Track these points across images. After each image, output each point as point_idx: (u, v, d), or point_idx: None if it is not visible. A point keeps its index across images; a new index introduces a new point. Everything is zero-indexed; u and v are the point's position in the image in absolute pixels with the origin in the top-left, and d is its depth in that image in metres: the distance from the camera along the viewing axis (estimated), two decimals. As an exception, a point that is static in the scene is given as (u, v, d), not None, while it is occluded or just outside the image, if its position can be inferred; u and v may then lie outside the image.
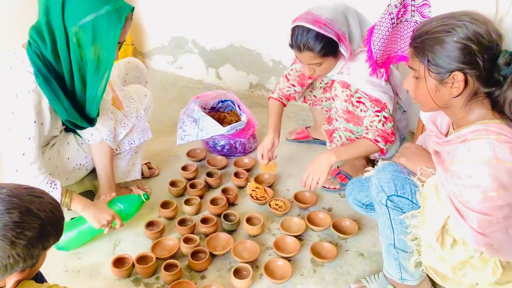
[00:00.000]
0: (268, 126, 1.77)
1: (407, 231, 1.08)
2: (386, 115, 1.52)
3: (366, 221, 1.62)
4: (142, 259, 1.39)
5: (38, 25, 1.22)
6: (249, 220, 1.57)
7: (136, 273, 1.38)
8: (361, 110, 1.55)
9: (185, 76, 2.84)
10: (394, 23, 1.36)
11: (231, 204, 1.71)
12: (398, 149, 1.22)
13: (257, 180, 1.79)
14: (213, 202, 1.65)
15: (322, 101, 1.87)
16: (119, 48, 1.28)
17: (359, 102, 1.53)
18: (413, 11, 1.37)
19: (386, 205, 1.10)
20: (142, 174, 1.82)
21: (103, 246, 1.50)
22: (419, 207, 1.05)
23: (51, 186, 1.33)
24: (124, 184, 1.73)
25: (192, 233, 1.52)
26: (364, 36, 1.49)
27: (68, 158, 1.51)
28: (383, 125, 1.52)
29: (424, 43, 0.96)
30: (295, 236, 1.51)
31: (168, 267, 1.35)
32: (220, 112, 2.13)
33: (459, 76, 0.93)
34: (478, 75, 0.93)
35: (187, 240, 1.45)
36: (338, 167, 1.84)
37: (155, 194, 1.74)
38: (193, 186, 1.75)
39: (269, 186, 1.78)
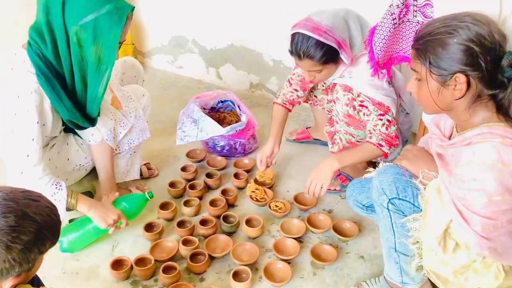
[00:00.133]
0: (270, 132, 1.77)
1: (409, 234, 1.07)
2: (390, 119, 1.50)
3: (367, 223, 1.61)
4: (140, 261, 1.38)
5: (37, 25, 1.21)
6: (248, 222, 1.55)
7: (135, 275, 1.37)
8: (363, 114, 1.53)
9: (185, 76, 2.82)
10: (396, 23, 1.35)
11: (230, 205, 1.70)
12: (400, 152, 1.20)
13: (257, 181, 1.78)
14: (213, 203, 1.64)
15: (323, 102, 1.85)
16: (119, 48, 1.27)
17: (361, 105, 1.52)
18: (415, 11, 1.35)
19: (388, 208, 1.09)
20: (141, 175, 1.81)
21: (102, 247, 1.49)
22: (421, 210, 1.04)
23: (56, 187, 1.32)
24: (123, 184, 1.72)
25: (191, 234, 1.51)
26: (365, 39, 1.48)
27: (68, 159, 1.50)
28: (386, 128, 1.50)
29: (426, 44, 0.95)
30: (295, 238, 1.49)
31: (167, 269, 1.34)
32: (220, 112, 2.12)
33: (461, 78, 0.91)
34: (481, 77, 0.91)
35: (186, 242, 1.44)
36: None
37: (155, 195, 1.72)
38: (192, 187, 1.74)
39: (269, 188, 1.77)
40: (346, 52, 1.42)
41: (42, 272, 0.98)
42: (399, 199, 1.06)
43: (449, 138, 1.06)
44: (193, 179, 1.82)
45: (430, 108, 1.02)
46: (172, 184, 1.75)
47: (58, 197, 1.32)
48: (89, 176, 1.67)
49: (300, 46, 1.40)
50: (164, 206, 1.62)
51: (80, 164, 1.55)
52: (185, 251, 1.41)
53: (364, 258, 1.47)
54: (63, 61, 1.23)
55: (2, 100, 1.28)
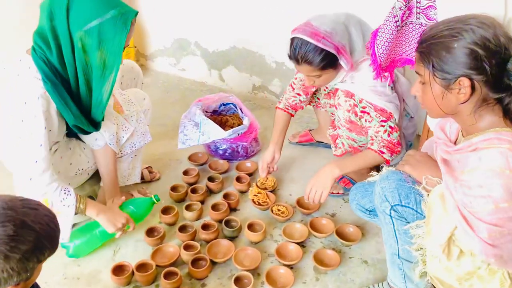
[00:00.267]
0: (271, 138, 1.76)
1: (412, 241, 1.05)
2: (392, 125, 1.48)
3: (370, 226, 1.59)
4: (141, 266, 1.37)
5: (41, 30, 1.21)
6: (250, 227, 1.54)
7: (136, 281, 1.36)
8: (365, 120, 1.51)
9: (188, 78, 2.82)
10: (398, 25, 1.33)
11: (232, 209, 1.68)
12: (403, 157, 1.19)
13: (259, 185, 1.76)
14: (214, 207, 1.63)
15: (326, 105, 1.84)
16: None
17: (363, 112, 1.50)
18: (419, 13, 1.33)
19: (390, 215, 1.07)
20: (143, 178, 1.81)
21: (103, 252, 1.48)
22: (424, 217, 1.02)
23: (65, 193, 1.32)
24: (125, 188, 1.72)
25: (193, 239, 1.50)
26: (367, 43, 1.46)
27: (71, 164, 1.50)
28: (388, 135, 1.48)
29: (429, 48, 0.93)
30: (298, 243, 1.48)
31: (168, 275, 1.33)
32: (222, 115, 2.11)
33: (465, 82, 0.89)
34: (486, 81, 0.89)
35: (187, 247, 1.43)
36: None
37: (156, 199, 1.73)
38: (194, 191, 1.73)
39: (271, 191, 1.76)
40: (345, 58, 1.40)
41: (43, 278, 0.98)
42: (402, 205, 1.05)
43: (455, 143, 1.04)
44: (195, 182, 1.81)
45: (434, 112, 1.00)
46: (174, 188, 1.74)
47: (67, 202, 1.32)
48: (91, 180, 1.67)
49: (298, 51, 1.39)
50: (166, 210, 1.61)
51: (82, 169, 1.55)
52: (186, 256, 1.40)
53: (367, 263, 1.45)
54: (68, 66, 1.23)
55: (4, 106, 1.28)
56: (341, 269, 1.42)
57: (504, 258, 0.89)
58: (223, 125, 2.03)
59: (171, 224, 1.59)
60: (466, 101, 0.92)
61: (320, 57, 1.38)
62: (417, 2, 1.33)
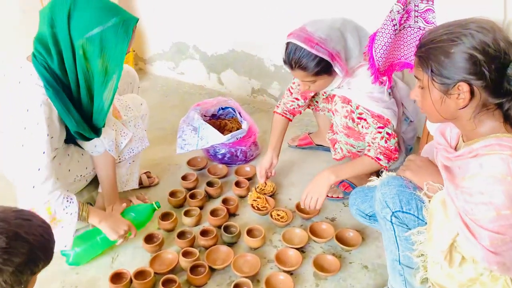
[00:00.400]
0: (269, 143, 1.76)
1: (413, 247, 1.04)
2: (390, 131, 1.47)
3: (371, 231, 1.58)
4: (140, 274, 1.36)
5: (42, 37, 1.20)
6: (250, 232, 1.53)
7: (134, 288, 1.35)
8: (362, 127, 1.49)
9: (187, 82, 2.81)
10: (396, 29, 1.32)
11: (231, 214, 1.67)
12: (404, 162, 1.17)
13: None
14: (213, 213, 1.62)
15: (325, 110, 1.83)
16: None
17: (360, 118, 1.48)
18: (417, 16, 1.32)
19: (391, 221, 1.06)
20: (141, 183, 1.80)
21: (102, 260, 1.47)
22: (426, 223, 1.01)
23: (67, 201, 1.31)
24: (123, 194, 1.71)
25: (192, 246, 1.49)
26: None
27: (69, 170, 1.49)
28: (385, 141, 1.47)
29: (428, 52, 0.92)
30: (297, 249, 1.47)
31: (167, 283, 1.32)
32: (221, 119, 2.10)
33: (464, 87, 0.88)
34: (485, 86, 0.88)
35: (186, 254, 1.42)
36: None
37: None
38: (193, 196, 1.72)
39: (270, 196, 1.75)
40: (340, 64, 1.38)
41: (41, 286, 0.96)
42: (403, 212, 1.03)
43: (455, 148, 1.03)
44: (194, 188, 1.79)
45: (434, 117, 0.99)
46: (172, 194, 1.73)
47: (70, 210, 1.31)
48: (89, 186, 1.65)
49: (292, 56, 1.38)
50: (164, 216, 1.60)
51: (81, 175, 1.54)
52: (185, 263, 1.39)
53: (367, 268, 1.44)
54: (69, 73, 1.22)
55: (5, 113, 1.26)
56: (341, 274, 1.41)
57: (507, 265, 0.88)
58: (222, 129, 2.02)
59: (170, 230, 1.58)
60: (465, 107, 0.91)
61: (313, 63, 1.37)
62: (415, 5, 1.32)
